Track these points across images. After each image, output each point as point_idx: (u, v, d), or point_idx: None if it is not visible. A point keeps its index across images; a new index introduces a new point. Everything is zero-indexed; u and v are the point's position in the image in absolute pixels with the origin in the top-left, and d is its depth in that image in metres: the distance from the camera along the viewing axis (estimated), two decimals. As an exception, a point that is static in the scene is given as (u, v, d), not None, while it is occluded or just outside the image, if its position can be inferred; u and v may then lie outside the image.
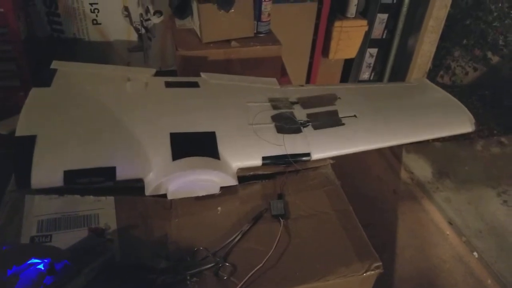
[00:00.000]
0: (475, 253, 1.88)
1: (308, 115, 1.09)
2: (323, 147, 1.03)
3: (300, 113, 1.10)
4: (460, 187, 2.25)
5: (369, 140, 1.07)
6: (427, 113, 1.21)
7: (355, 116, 1.11)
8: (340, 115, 1.11)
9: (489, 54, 2.74)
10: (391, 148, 2.52)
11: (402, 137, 1.11)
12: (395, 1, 2.10)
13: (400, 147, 2.53)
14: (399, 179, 2.31)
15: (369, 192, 2.19)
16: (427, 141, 2.63)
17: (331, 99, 1.18)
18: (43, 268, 0.66)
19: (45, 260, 0.67)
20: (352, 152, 1.04)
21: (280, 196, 0.93)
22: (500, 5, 2.52)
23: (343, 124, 1.08)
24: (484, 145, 2.60)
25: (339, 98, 1.19)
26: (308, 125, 1.06)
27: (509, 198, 2.18)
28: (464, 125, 1.17)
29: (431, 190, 2.22)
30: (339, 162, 1.07)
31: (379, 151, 2.51)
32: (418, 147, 2.55)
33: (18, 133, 0.89)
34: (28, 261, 0.66)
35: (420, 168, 2.38)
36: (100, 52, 1.62)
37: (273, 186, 0.96)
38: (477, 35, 2.63)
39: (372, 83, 1.39)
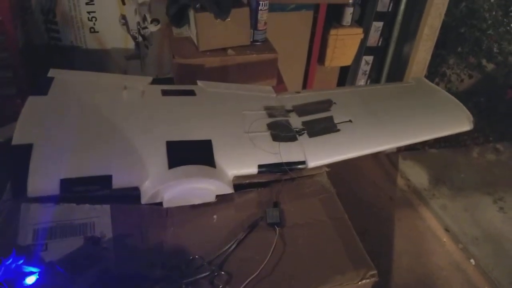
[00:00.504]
0: (472, 260, 1.88)
1: (304, 123, 1.10)
2: (318, 154, 1.03)
3: (295, 121, 1.11)
4: (457, 194, 2.26)
5: (364, 145, 1.07)
6: (424, 113, 1.19)
7: (350, 121, 1.11)
8: (335, 121, 1.11)
9: (484, 62, 2.77)
10: (387, 155, 2.53)
11: (398, 139, 1.10)
12: (390, 9, 2.12)
13: (396, 153, 2.54)
14: (396, 186, 2.32)
15: (366, 199, 2.19)
16: (424, 148, 2.64)
17: (327, 105, 1.19)
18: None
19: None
20: (348, 158, 1.04)
21: (276, 204, 0.93)
22: (494, 13, 2.54)
23: (338, 130, 1.09)
24: (480, 152, 2.62)
25: (335, 103, 1.19)
26: (304, 133, 1.06)
27: (505, 205, 2.19)
28: (462, 123, 1.15)
29: (428, 197, 2.23)
30: (336, 168, 1.07)
31: (375, 158, 2.52)
32: (414, 154, 2.56)
33: (14, 141, 0.89)
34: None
35: (416, 175, 2.39)
36: (97, 60, 1.63)
37: (269, 194, 0.96)
38: (472, 43, 2.65)
39: (369, 85, 1.37)
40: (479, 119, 2.85)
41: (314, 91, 1.29)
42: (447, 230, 2.05)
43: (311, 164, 1.01)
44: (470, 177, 2.40)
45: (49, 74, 1.13)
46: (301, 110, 1.16)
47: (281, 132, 1.05)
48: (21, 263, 0.69)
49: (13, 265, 0.68)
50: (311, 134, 1.06)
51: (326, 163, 1.03)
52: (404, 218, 2.11)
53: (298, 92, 1.29)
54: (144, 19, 1.59)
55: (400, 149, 2.57)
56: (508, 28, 2.62)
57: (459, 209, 2.17)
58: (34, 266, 0.69)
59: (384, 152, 2.55)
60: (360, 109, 1.17)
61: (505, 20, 2.59)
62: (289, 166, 0.99)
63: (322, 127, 1.09)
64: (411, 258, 1.88)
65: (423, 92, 1.32)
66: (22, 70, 1.44)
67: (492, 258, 1.89)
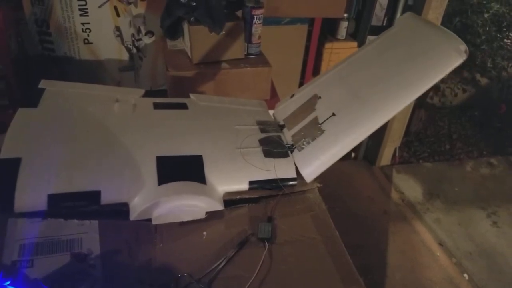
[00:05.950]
0: (465, 275, 1.88)
1: (293, 137, 1.09)
2: (311, 167, 1.01)
3: (287, 136, 1.10)
4: (450, 208, 2.26)
5: (350, 138, 1.00)
6: (410, 65, 1.03)
7: (333, 114, 1.05)
8: (320, 121, 1.07)
9: (478, 76, 2.79)
10: (382, 169, 2.53)
11: (382, 116, 0.99)
12: (385, 23, 2.14)
13: (390, 167, 2.55)
14: (390, 200, 2.32)
15: (360, 213, 2.19)
16: (418, 161, 2.65)
17: (312, 103, 1.14)
18: None
19: None
20: (339, 157, 0.99)
21: (270, 219, 0.92)
22: (488, 28, 2.57)
23: (323, 131, 1.04)
24: (474, 166, 2.62)
25: (320, 97, 1.13)
26: (294, 148, 1.06)
27: (498, 219, 2.19)
28: (452, 58, 0.95)
29: (422, 211, 2.23)
30: (330, 183, 1.05)
31: (370, 171, 2.52)
32: (408, 167, 2.57)
33: (2, 155, 0.88)
34: None
35: (410, 188, 2.39)
36: (91, 71, 1.62)
37: (260, 210, 0.95)
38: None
39: (354, 54, 1.19)
40: (473, 133, 2.87)
41: (305, 88, 1.23)
42: (441, 244, 2.05)
43: (309, 179, 0.99)
44: (464, 191, 2.41)
45: (40, 85, 1.12)
46: (290, 122, 1.14)
47: (273, 148, 1.04)
48: (8, 284, 0.67)
49: None
50: (300, 147, 1.05)
51: (322, 171, 1.00)
52: (398, 232, 2.10)
53: (292, 95, 1.26)
54: (139, 31, 1.59)
55: (394, 163, 2.57)
56: (502, 43, 2.65)
57: (453, 223, 2.17)
58: (17, 286, 0.68)
59: (378, 165, 2.55)
60: (343, 94, 1.09)
61: (498, 35, 2.62)
62: (281, 183, 0.98)
63: (309, 135, 1.06)
64: (405, 273, 1.87)
65: (405, 36, 1.14)
66: (15, 81, 1.44)
67: (486, 272, 1.89)
